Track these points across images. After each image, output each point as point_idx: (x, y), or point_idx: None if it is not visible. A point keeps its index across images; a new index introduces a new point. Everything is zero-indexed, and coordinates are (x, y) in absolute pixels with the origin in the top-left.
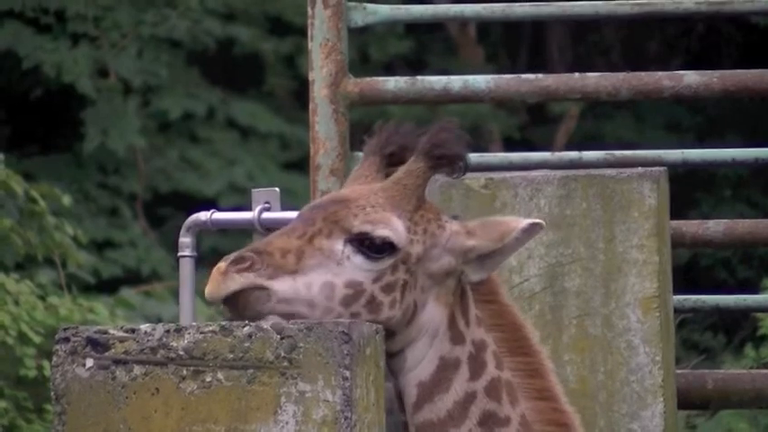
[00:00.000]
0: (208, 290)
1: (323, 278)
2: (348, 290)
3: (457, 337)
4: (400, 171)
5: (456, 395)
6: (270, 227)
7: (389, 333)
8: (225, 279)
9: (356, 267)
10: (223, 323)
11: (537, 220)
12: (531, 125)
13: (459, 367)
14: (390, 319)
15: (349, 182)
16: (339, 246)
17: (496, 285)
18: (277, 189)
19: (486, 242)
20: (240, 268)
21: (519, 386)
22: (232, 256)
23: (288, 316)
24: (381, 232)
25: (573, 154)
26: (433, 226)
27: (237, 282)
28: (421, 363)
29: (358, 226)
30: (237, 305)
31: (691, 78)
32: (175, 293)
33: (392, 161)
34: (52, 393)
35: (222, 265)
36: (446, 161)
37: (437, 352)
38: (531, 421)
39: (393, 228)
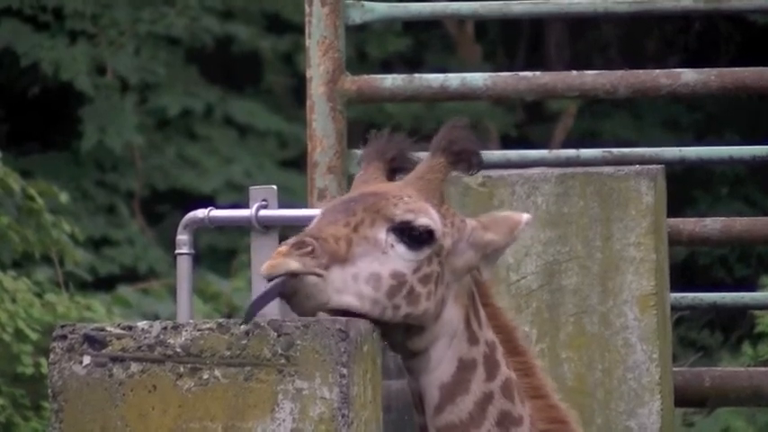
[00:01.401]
0: (267, 266)
1: (369, 268)
2: (393, 281)
3: (472, 338)
4: (420, 168)
5: (475, 396)
6: (267, 224)
7: (418, 329)
8: (285, 259)
9: (399, 257)
10: (220, 320)
11: (528, 216)
12: (529, 123)
13: (476, 368)
14: (427, 311)
15: (355, 187)
16: (382, 235)
17: (488, 287)
18: (274, 187)
19: (500, 237)
20: (302, 252)
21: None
22: (291, 240)
23: (337, 311)
24: (423, 221)
25: (570, 152)
26: (457, 220)
27: (299, 264)
28: (441, 364)
29: (400, 215)
30: (294, 291)
31: (688, 76)
32: (173, 291)
33: (392, 166)
34: (49, 391)
35: (283, 248)
36: (465, 156)
37: (456, 353)
38: (534, 420)
39: (432, 217)
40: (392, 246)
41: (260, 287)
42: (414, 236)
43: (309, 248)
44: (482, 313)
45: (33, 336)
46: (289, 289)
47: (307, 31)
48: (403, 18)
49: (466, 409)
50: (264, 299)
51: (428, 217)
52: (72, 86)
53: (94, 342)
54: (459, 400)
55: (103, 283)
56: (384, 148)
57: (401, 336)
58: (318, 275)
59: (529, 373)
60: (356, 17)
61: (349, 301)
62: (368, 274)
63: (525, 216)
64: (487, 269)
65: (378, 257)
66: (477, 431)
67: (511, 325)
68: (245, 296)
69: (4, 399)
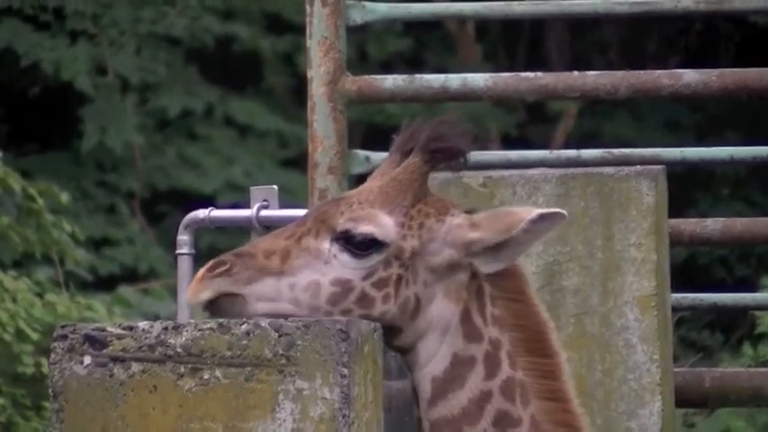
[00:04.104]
0: (187, 296)
1: (309, 278)
2: (335, 287)
3: (472, 335)
4: (399, 167)
5: (471, 393)
6: (268, 224)
7: (397, 329)
8: (199, 286)
9: (343, 265)
10: (221, 320)
11: (553, 210)
12: (530, 123)
13: (474, 365)
14: (385, 313)
15: (368, 181)
16: (326, 245)
17: (523, 284)
18: (275, 187)
19: (490, 234)
20: (216, 273)
21: (531, 386)
22: (211, 261)
23: (275, 315)
24: (363, 229)
25: (571, 152)
26: (430, 220)
27: (210, 290)
28: (434, 358)
29: (342, 224)
30: (216, 311)
31: (690, 77)
32: (173, 291)
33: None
34: (50, 391)
35: (201, 271)
36: (441, 156)
37: (450, 348)
38: (540, 421)
39: (378, 224)
40: (335, 255)
41: None
42: (357, 244)
43: (225, 267)
44: (489, 310)
45: (34, 336)
46: (210, 314)
47: (307, 31)
48: (404, 18)
49: (458, 404)
50: None
51: (373, 224)
52: (72, 86)
53: (95, 342)
54: (451, 395)
55: (104, 283)
56: (404, 141)
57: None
58: (233, 295)
59: (549, 375)
60: (357, 17)
61: (284, 307)
62: (306, 283)
63: (533, 213)
64: (490, 264)
65: (319, 268)
66: (472, 428)
67: (540, 324)
68: None
69: (4, 399)
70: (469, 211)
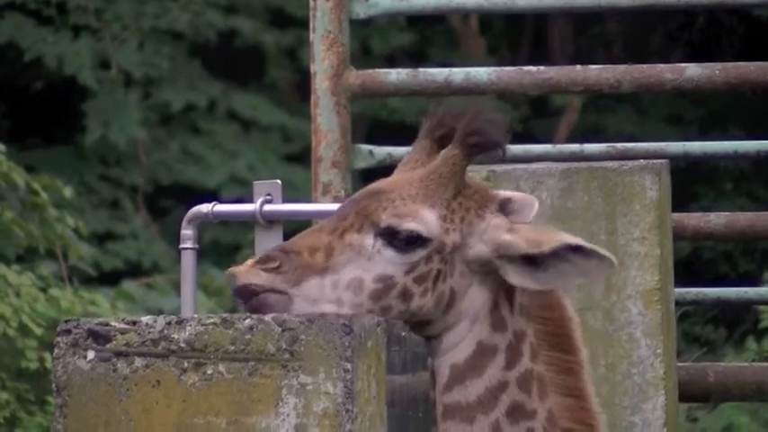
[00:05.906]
0: (238, 275)
1: (352, 274)
2: (378, 284)
3: (498, 324)
4: (438, 159)
5: (489, 382)
6: (271, 219)
7: (426, 321)
8: (249, 271)
9: (387, 261)
10: (224, 315)
11: (598, 249)
12: (533, 118)
13: (495, 354)
14: (421, 307)
15: (399, 167)
16: (369, 240)
17: None
18: (279, 181)
19: (522, 242)
20: (266, 268)
21: (550, 381)
22: (261, 255)
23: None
24: (408, 225)
25: (575, 146)
26: (471, 215)
27: (261, 277)
28: (458, 346)
29: (386, 220)
30: (258, 308)
31: (693, 71)
32: (177, 286)
33: (444, 144)
34: (53, 385)
35: (250, 261)
36: (480, 149)
37: (476, 336)
38: (558, 417)
39: (421, 220)
40: (379, 251)
41: None
42: (401, 240)
43: (275, 264)
44: (518, 300)
45: (38, 330)
46: (250, 307)
47: (311, 25)
48: (407, 12)
49: (475, 392)
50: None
51: (416, 221)
52: (75, 81)
53: (99, 337)
54: (469, 382)
55: (107, 278)
56: (434, 127)
57: (410, 326)
58: (280, 293)
59: (569, 372)
60: (360, 11)
61: (326, 308)
62: (348, 280)
63: (573, 241)
64: (517, 276)
65: (362, 264)
66: (485, 417)
67: (565, 319)
68: None
69: (8, 394)
70: (504, 204)
